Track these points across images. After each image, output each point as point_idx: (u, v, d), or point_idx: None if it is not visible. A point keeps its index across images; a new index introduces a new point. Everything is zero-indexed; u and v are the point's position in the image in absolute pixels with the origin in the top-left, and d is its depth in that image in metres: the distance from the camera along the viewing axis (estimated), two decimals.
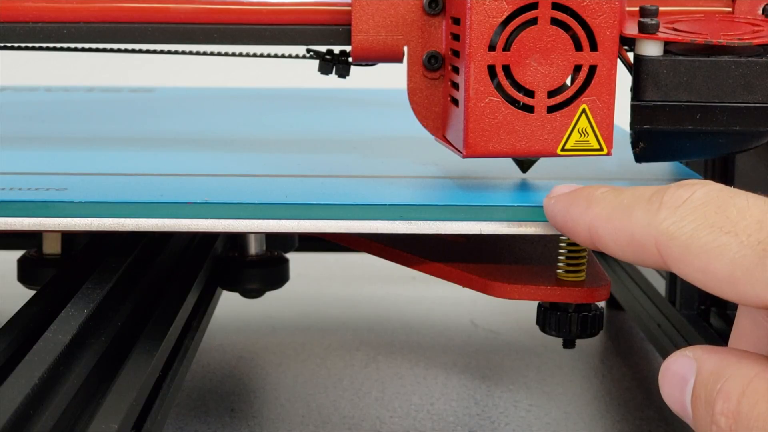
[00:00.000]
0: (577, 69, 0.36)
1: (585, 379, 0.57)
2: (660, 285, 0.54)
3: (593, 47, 0.35)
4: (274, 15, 0.39)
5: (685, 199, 0.28)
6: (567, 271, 0.39)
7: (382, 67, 0.41)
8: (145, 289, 0.43)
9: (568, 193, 0.33)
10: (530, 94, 0.36)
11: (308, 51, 0.41)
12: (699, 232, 0.27)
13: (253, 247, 0.51)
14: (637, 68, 0.36)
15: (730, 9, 0.41)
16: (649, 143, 0.37)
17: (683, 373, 0.30)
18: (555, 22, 0.35)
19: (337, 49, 0.41)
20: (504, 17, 0.35)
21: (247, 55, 0.43)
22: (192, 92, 0.67)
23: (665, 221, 0.28)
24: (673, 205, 0.28)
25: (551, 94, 0.36)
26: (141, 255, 0.45)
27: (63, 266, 0.45)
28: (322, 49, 0.41)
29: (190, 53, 0.43)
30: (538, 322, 0.41)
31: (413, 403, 0.53)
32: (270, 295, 0.53)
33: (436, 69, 0.38)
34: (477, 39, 0.35)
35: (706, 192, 0.28)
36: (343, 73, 0.41)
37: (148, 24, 0.40)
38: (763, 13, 0.40)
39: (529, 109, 0.36)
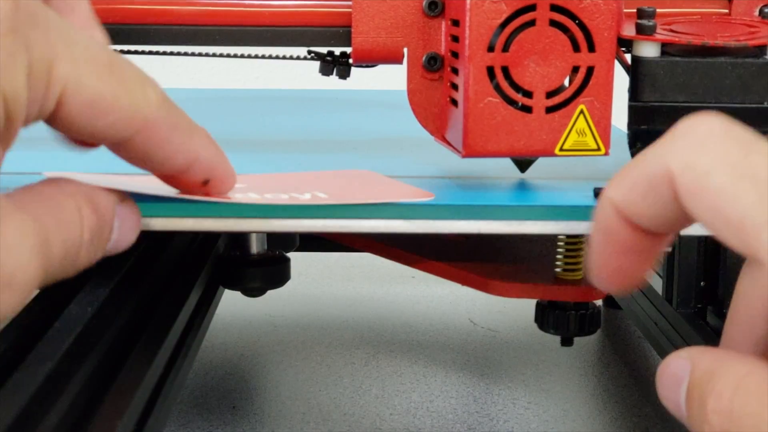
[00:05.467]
0: (575, 70, 0.36)
1: (583, 376, 0.57)
2: (657, 284, 0.54)
3: (591, 48, 0.36)
4: (275, 17, 0.39)
5: (703, 130, 0.27)
6: (565, 270, 0.40)
7: (382, 69, 0.41)
8: (148, 288, 0.44)
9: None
10: (529, 94, 0.36)
11: (309, 52, 0.41)
12: (717, 168, 0.26)
13: (255, 247, 0.51)
14: (635, 69, 0.37)
15: (726, 10, 0.41)
16: (646, 143, 0.38)
17: (678, 374, 0.30)
18: (553, 23, 0.35)
19: (337, 50, 0.41)
20: (503, 19, 0.35)
21: (249, 56, 0.43)
22: (193, 93, 0.67)
23: (680, 150, 0.27)
24: (690, 134, 0.27)
25: (549, 94, 0.36)
26: (144, 254, 0.45)
27: None
28: (323, 50, 0.41)
29: (192, 54, 0.43)
30: (536, 321, 0.41)
31: (413, 400, 0.53)
32: (271, 294, 0.53)
33: (435, 70, 0.39)
34: (476, 40, 0.35)
35: (727, 127, 0.26)
36: (344, 75, 0.41)
37: (150, 26, 0.40)
38: (759, 14, 0.40)
39: (528, 109, 0.36)
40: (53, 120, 0.31)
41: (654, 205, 0.29)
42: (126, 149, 0.32)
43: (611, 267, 0.33)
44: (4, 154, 0.30)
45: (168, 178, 0.35)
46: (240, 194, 0.35)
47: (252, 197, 0.35)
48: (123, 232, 0.33)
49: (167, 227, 0.36)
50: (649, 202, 0.29)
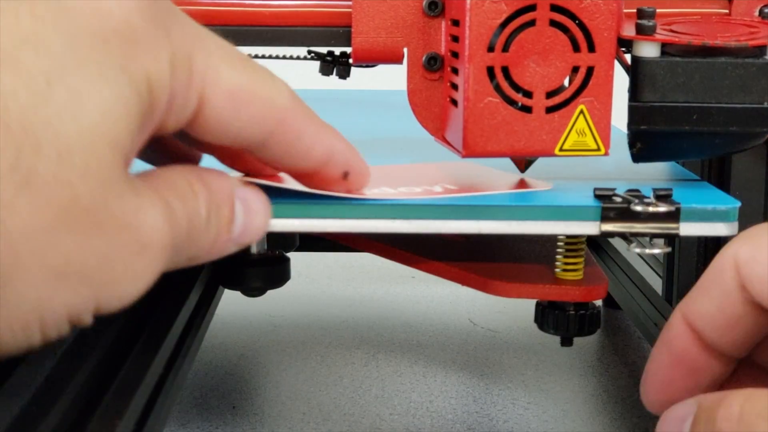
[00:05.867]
0: (575, 70, 0.36)
1: (582, 377, 0.57)
2: (657, 284, 0.55)
3: (591, 48, 0.36)
4: (275, 17, 0.39)
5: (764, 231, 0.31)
6: (565, 270, 0.40)
7: (382, 69, 0.41)
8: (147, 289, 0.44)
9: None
10: (529, 94, 0.36)
11: (309, 52, 0.41)
12: None
13: (255, 246, 0.51)
14: (635, 69, 0.37)
15: (726, 11, 0.41)
16: (646, 144, 0.38)
17: (682, 414, 0.31)
18: (553, 23, 0.35)
19: (337, 50, 0.41)
20: (503, 19, 0.35)
21: (248, 56, 0.43)
22: None
23: (745, 245, 0.31)
24: (753, 234, 0.31)
25: (549, 94, 0.36)
26: None
27: None
28: (323, 50, 0.41)
29: None
30: (536, 321, 0.41)
31: (413, 400, 0.53)
32: (271, 294, 0.53)
33: (435, 70, 0.39)
34: (476, 40, 0.35)
35: None
36: (344, 75, 0.41)
37: None
38: (759, 14, 0.40)
39: (528, 109, 0.36)
40: (195, 120, 0.31)
41: (721, 299, 0.32)
42: (268, 147, 0.32)
43: (665, 383, 0.34)
44: (146, 139, 0.30)
45: (307, 177, 0.34)
46: (375, 189, 0.35)
47: (387, 191, 0.35)
48: (250, 217, 0.33)
49: (302, 228, 0.36)
50: (716, 294, 0.32)
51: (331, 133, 0.34)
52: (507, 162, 0.40)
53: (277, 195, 0.34)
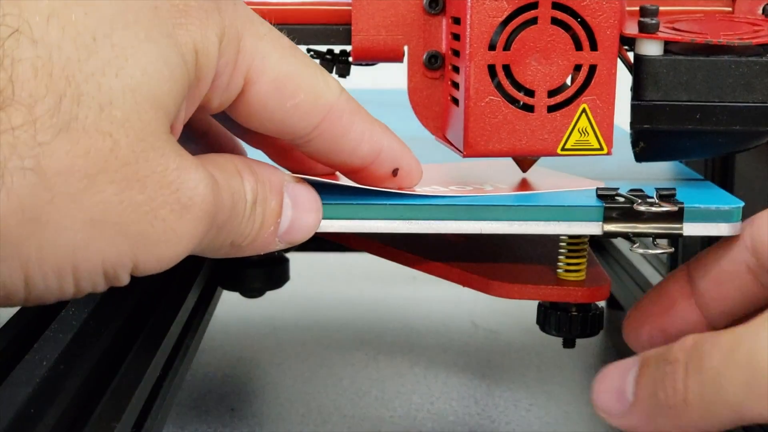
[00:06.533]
0: (577, 68, 0.36)
1: (585, 378, 0.57)
2: None
3: (593, 47, 0.36)
4: (274, 14, 0.39)
5: None
6: (567, 271, 0.39)
7: (382, 67, 0.41)
8: (146, 289, 0.43)
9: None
10: (530, 93, 0.36)
11: (308, 50, 0.41)
12: None
13: None
14: (637, 68, 0.36)
15: (730, 9, 0.41)
16: (649, 143, 0.38)
17: (625, 367, 0.33)
18: (555, 21, 0.35)
19: (337, 48, 0.41)
20: (504, 17, 0.35)
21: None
22: None
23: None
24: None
25: (551, 93, 0.36)
26: None
27: None
28: (323, 48, 0.41)
29: None
30: (538, 322, 0.41)
31: (413, 402, 0.53)
32: (270, 295, 0.53)
33: (436, 69, 0.38)
34: (477, 38, 0.35)
35: None
36: (344, 73, 0.41)
37: None
38: (763, 12, 0.40)
39: (530, 108, 0.36)
40: (240, 103, 0.31)
41: (726, 255, 0.34)
42: (313, 141, 0.32)
43: (643, 315, 0.37)
44: (191, 113, 0.30)
45: (355, 173, 0.35)
46: (427, 187, 0.35)
47: (438, 189, 0.35)
48: (299, 213, 0.33)
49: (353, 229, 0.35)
50: (723, 251, 0.35)
51: (381, 130, 0.34)
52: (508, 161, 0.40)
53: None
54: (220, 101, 0.31)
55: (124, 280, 0.29)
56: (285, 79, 0.31)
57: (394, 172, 0.34)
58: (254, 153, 0.37)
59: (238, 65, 0.30)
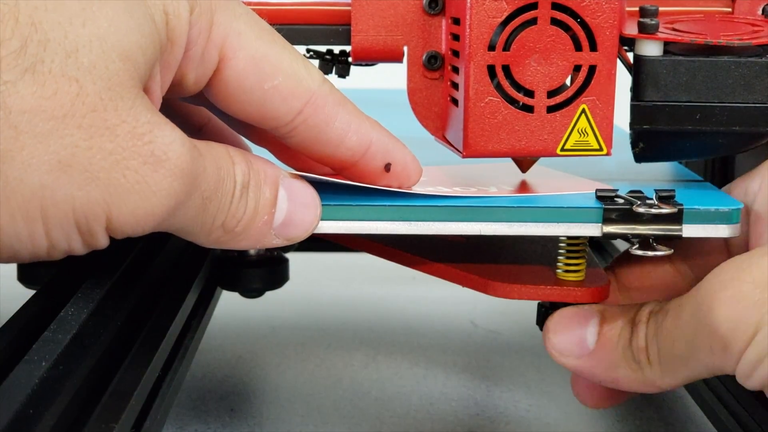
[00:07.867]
0: (577, 69, 0.36)
1: None
2: None
3: (593, 47, 0.35)
4: (273, 15, 0.39)
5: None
6: (566, 271, 0.39)
7: (381, 67, 0.41)
8: (145, 289, 0.43)
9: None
10: (530, 94, 0.36)
11: (308, 51, 0.41)
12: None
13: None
14: (637, 68, 0.36)
15: (729, 9, 0.41)
16: (648, 143, 0.37)
17: (582, 315, 0.35)
18: (555, 22, 0.35)
19: (336, 49, 0.41)
20: (504, 17, 0.35)
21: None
22: None
23: None
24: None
25: (551, 94, 0.36)
26: (140, 254, 0.45)
27: (62, 266, 0.45)
28: (322, 49, 0.41)
29: None
30: (537, 322, 0.41)
31: (413, 403, 0.53)
32: (270, 295, 0.53)
33: (435, 69, 0.38)
34: (477, 39, 0.35)
35: None
36: (343, 73, 0.41)
37: None
38: (762, 13, 0.40)
39: (529, 109, 0.36)
40: (217, 81, 0.31)
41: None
42: (297, 130, 0.32)
43: None
44: (168, 83, 0.30)
45: (347, 169, 0.34)
46: (430, 187, 0.35)
47: (442, 189, 0.35)
48: (295, 207, 0.33)
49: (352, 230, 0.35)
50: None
51: (369, 124, 0.34)
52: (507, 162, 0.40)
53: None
54: (196, 76, 0.31)
55: (101, 237, 0.29)
56: (262, 58, 0.31)
57: (387, 168, 0.34)
58: (258, 152, 0.37)
59: (212, 38, 0.31)
